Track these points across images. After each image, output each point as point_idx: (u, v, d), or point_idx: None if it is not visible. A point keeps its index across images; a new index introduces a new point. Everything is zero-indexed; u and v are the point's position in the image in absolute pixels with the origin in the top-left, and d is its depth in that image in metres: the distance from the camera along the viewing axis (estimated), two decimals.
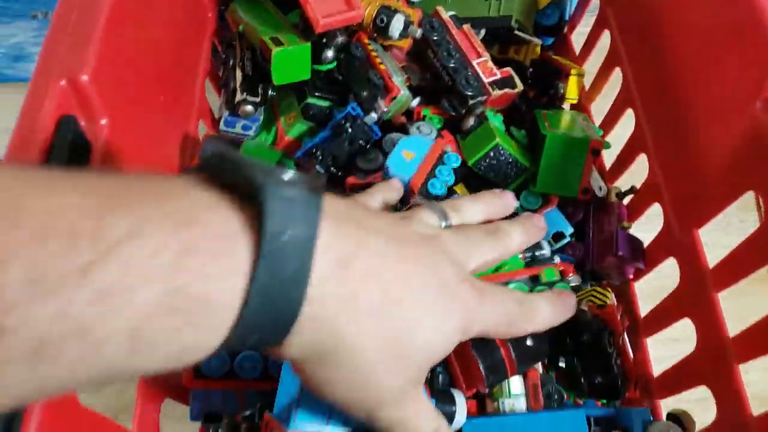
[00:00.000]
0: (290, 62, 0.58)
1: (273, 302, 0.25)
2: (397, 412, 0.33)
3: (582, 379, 0.52)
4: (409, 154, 0.56)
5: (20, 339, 0.21)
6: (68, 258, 0.21)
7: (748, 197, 0.44)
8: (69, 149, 0.40)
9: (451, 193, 0.58)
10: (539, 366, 0.53)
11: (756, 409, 0.42)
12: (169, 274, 0.23)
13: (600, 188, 0.59)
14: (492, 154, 0.59)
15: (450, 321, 0.33)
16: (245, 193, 0.26)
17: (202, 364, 0.48)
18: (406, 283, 0.31)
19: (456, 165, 0.58)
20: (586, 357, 0.52)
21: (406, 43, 0.66)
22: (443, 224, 0.40)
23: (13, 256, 0.21)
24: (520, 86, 0.63)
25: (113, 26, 0.43)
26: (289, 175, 0.26)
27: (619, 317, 0.54)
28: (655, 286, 0.59)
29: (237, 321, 0.25)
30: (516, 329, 0.38)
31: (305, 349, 0.29)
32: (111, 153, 0.43)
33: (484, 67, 0.62)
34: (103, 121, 0.43)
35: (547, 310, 0.39)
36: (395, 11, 0.61)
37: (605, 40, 0.67)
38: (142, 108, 0.49)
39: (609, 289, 0.56)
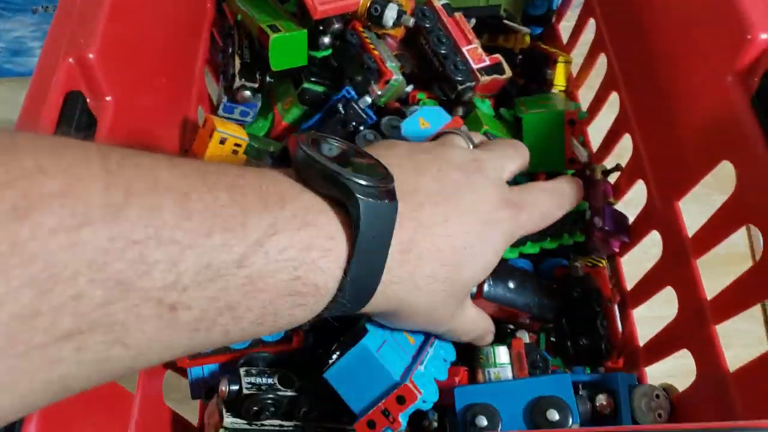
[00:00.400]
0: (288, 48, 0.60)
1: (359, 287, 0.32)
2: (451, 325, 0.43)
3: (568, 343, 0.54)
4: (424, 123, 0.59)
5: (187, 314, 0.26)
6: (227, 250, 0.27)
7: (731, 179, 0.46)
8: (76, 124, 0.42)
9: None
10: (525, 336, 0.55)
11: None
12: (295, 265, 0.29)
13: (585, 156, 0.61)
14: None
15: (493, 248, 0.41)
16: (337, 196, 0.32)
17: None
18: (455, 242, 0.38)
19: None
20: (574, 316, 0.54)
21: (399, 32, 0.68)
22: (470, 146, 0.47)
23: (187, 247, 0.25)
24: (508, 72, 0.65)
25: (118, 7, 0.45)
26: (367, 180, 0.32)
27: (610, 287, 0.56)
28: (646, 267, 0.61)
29: (333, 301, 0.32)
30: (553, 219, 0.47)
31: (375, 310, 0.37)
32: (115, 130, 0.45)
33: (474, 53, 0.64)
34: (108, 98, 0.45)
35: (570, 190, 0.50)
36: (389, 1, 0.63)
37: (591, 31, 0.69)
38: (145, 88, 0.51)
39: (604, 258, 0.58)
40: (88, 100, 0.44)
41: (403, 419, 0.42)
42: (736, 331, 0.76)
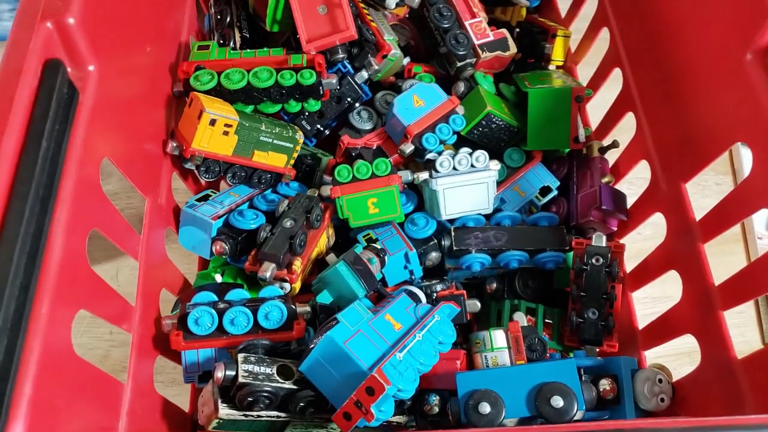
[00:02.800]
0: (285, 9, 0.57)
1: None
2: None
3: (574, 317, 0.53)
4: (419, 101, 0.56)
5: None
6: None
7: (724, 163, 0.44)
8: (57, 96, 0.38)
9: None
10: (522, 318, 0.54)
11: None
12: None
13: (585, 134, 0.60)
14: (484, 122, 0.59)
15: None
16: None
17: (190, 323, 0.47)
18: None
19: (460, 128, 0.57)
20: (588, 286, 0.54)
21: (403, 11, 0.65)
22: None
23: None
24: (513, 49, 0.62)
25: None
26: None
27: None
28: (639, 248, 0.60)
29: None
30: None
31: None
32: (99, 102, 0.42)
33: (477, 28, 0.61)
34: (91, 68, 0.42)
35: None
36: None
37: (591, 4, 0.67)
38: (130, 56, 0.48)
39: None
40: (69, 69, 0.40)
41: (376, 410, 0.40)
42: (728, 311, 0.77)
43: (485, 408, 0.45)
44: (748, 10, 0.42)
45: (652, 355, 0.64)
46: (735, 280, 0.45)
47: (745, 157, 0.76)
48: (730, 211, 0.46)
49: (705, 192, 0.81)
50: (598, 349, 0.55)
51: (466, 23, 0.60)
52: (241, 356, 0.44)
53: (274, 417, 0.44)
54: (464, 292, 0.54)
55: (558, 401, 0.44)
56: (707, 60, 0.47)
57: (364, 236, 0.56)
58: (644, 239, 0.66)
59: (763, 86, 0.41)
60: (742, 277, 0.44)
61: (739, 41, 0.43)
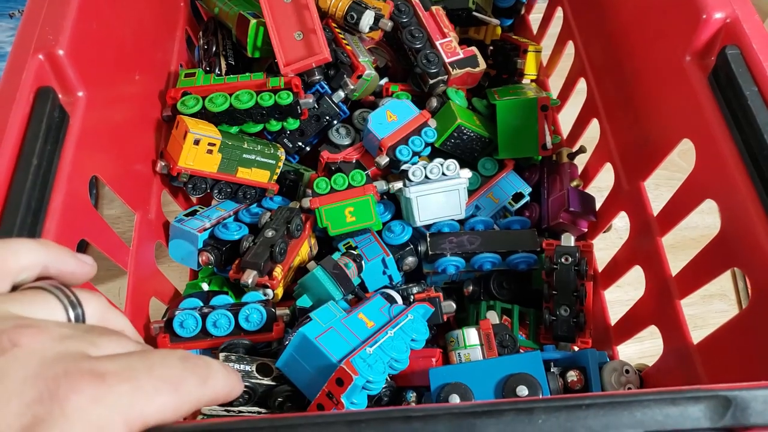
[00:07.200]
0: (265, 37, 0.61)
1: None
2: None
3: (547, 314, 0.55)
4: (392, 116, 0.60)
5: None
6: None
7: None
8: (47, 118, 0.42)
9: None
10: (494, 317, 0.56)
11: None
12: None
13: (552, 142, 0.62)
14: (456, 134, 0.62)
15: None
16: None
17: (176, 326, 0.50)
18: None
19: (431, 140, 0.60)
20: (559, 285, 0.56)
21: (378, 35, 0.69)
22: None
23: None
24: (482, 65, 0.66)
25: (87, 5, 0.46)
26: None
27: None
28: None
29: None
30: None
31: None
32: (88, 124, 0.46)
33: (447, 47, 0.65)
34: (80, 94, 0.46)
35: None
36: (365, 7, 0.62)
37: (559, 19, 0.71)
38: (119, 84, 0.52)
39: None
40: (59, 95, 0.44)
41: (347, 401, 0.42)
42: (711, 312, 0.78)
43: (455, 399, 0.47)
44: (684, 15, 0.45)
45: (636, 356, 0.66)
46: (688, 270, 0.47)
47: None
48: (681, 204, 0.48)
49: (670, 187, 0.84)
50: (574, 347, 0.57)
51: (437, 43, 0.64)
52: (222, 355, 0.47)
53: (254, 412, 0.47)
54: (440, 294, 0.56)
55: (523, 390, 0.46)
56: (655, 65, 0.50)
57: (344, 245, 0.59)
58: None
59: (700, 85, 0.44)
60: (694, 265, 0.46)
61: (679, 45, 0.46)
